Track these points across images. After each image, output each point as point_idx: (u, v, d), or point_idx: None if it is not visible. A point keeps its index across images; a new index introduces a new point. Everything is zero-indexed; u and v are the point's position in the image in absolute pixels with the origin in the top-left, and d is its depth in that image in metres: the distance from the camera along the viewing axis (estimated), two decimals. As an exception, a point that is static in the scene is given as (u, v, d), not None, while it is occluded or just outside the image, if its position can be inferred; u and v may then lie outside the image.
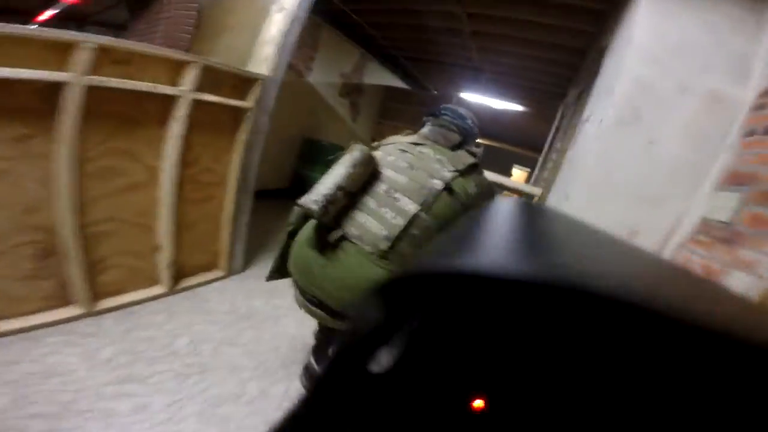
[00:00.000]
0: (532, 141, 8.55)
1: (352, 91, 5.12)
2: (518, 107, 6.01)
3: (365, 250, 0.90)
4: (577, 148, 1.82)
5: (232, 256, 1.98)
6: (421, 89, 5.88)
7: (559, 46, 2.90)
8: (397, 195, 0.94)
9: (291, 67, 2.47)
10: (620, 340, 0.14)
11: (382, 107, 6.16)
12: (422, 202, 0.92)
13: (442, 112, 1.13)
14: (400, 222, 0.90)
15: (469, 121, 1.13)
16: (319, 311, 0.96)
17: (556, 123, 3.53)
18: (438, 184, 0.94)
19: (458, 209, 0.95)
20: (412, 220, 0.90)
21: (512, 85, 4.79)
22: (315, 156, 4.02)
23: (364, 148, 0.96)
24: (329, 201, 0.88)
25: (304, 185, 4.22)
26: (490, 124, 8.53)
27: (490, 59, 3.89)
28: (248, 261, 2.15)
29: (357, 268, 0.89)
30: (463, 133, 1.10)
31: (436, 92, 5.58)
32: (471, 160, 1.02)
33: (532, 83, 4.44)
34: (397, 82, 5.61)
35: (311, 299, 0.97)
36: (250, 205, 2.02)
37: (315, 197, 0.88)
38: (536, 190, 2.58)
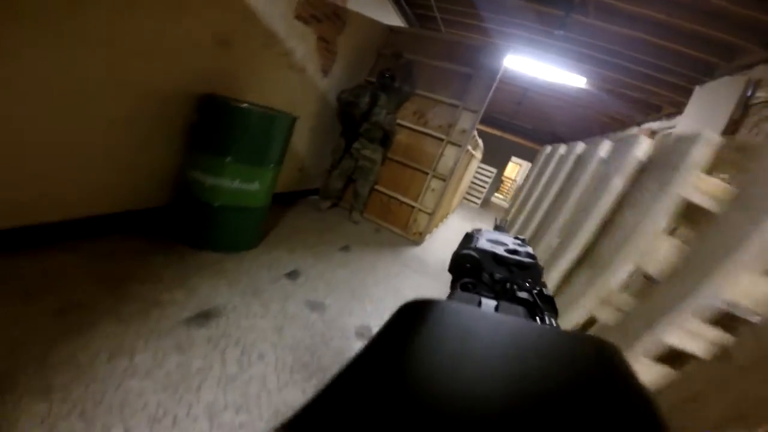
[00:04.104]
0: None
1: (321, 14, 2.63)
2: (581, 83, 4.33)
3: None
4: None
5: None
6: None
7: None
8: None
9: None
10: None
11: (378, 57, 3.59)
12: None
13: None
14: None
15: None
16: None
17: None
18: None
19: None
20: None
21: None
22: (223, 136, 1.80)
23: None
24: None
25: (197, 203, 2.10)
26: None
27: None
28: None
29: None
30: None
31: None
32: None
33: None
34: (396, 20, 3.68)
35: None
36: None
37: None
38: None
